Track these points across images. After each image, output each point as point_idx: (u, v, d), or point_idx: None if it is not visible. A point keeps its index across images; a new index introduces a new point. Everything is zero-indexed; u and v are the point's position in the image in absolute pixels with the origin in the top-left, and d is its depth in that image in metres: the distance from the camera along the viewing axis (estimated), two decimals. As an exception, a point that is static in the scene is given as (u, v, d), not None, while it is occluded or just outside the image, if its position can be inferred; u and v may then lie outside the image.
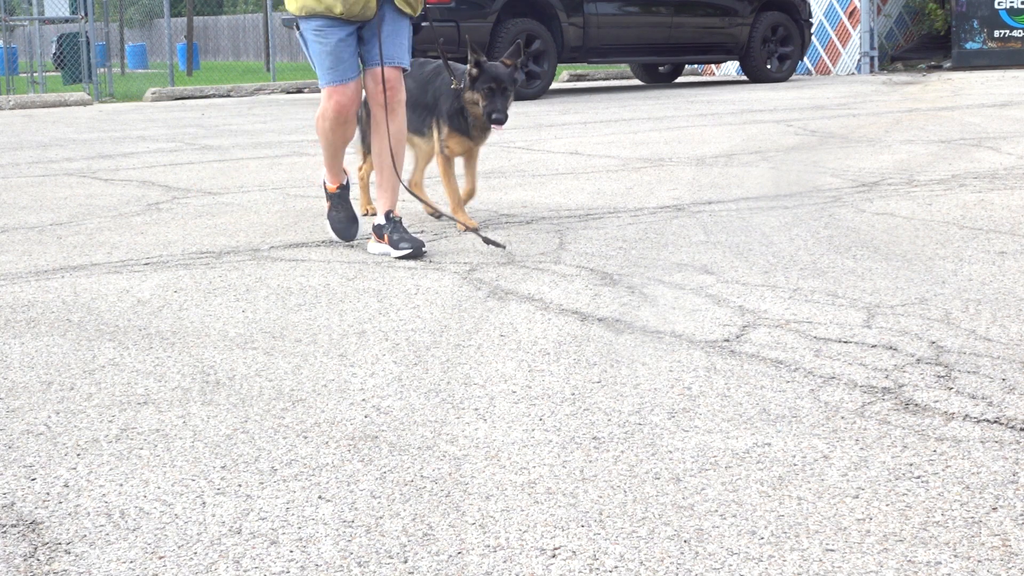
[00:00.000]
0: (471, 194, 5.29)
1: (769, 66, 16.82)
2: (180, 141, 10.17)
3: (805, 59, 19.11)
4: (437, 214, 5.34)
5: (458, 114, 5.01)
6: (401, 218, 4.66)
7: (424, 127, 5.21)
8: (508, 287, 3.96)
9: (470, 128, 5.04)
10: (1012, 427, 2.48)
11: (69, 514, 2.16)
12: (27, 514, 2.16)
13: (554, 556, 1.94)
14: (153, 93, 17.94)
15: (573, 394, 2.79)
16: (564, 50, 14.56)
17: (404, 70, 4.68)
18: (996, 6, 18.46)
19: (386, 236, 4.59)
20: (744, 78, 17.78)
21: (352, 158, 5.50)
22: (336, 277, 4.21)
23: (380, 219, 4.66)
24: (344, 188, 4.93)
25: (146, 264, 4.53)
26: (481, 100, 4.87)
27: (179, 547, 2.01)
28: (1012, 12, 18.44)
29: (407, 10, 4.63)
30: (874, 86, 15.21)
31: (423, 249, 4.50)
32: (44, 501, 2.22)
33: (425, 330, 3.43)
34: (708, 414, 2.62)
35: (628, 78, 19.81)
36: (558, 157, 7.83)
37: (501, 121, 4.83)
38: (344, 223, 4.90)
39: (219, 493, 2.24)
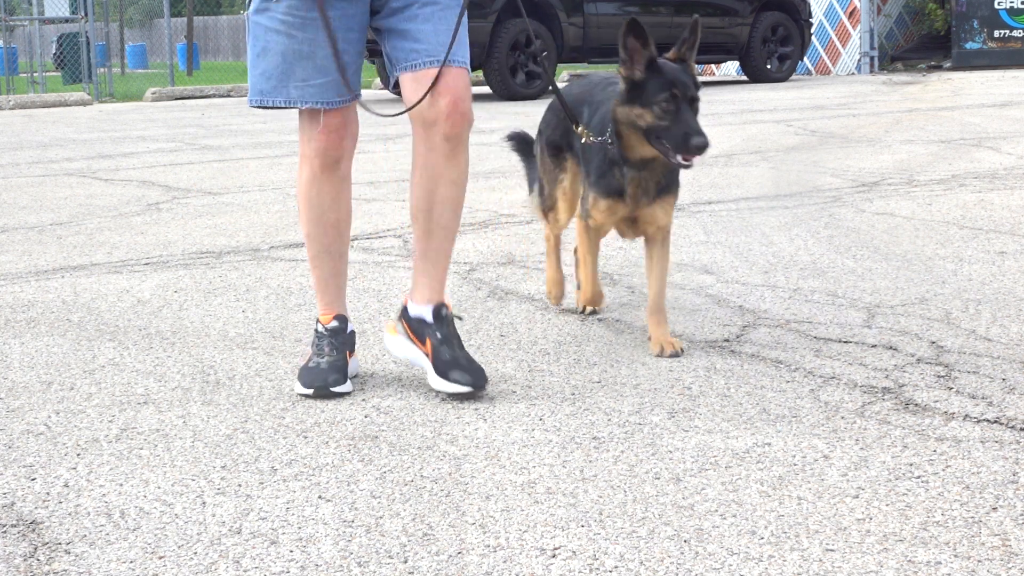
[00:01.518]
0: (657, 304, 3.16)
1: (769, 66, 16.81)
2: (180, 141, 10.17)
3: (805, 59, 19.10)
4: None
5: (610, 168, 3.07)
6: (460, 317, 3.00)
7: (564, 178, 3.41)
8: (508, 287, 3.95)
9: (626, 183, 3.06)
10: (1012, 427, 2.48)
11: (69, 514, 2.16)
12: (27, 514, 2.16)
13: (554, 556, 1.94)
14: (153, 93, 17.95)
15: (573, 394, 2.79)
16: (564, 50, 14.57)
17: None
18: (996, 6, 18.46)
19: (429, 342, 2.86)
20: (744, 78, 17.77)
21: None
22: (336, 277, 4.20)
23: (423, 311, 2.89)
24: (343, 323, 2.97)
25: (146, 264, 4.53)
26: (655, 119, 2.89)
27: (179, 547, 2.01)
28: (1012, 12, 18.44)
29: None
30: (874, 86, 15.21)
31: (484, 385, 2.79)
32: (44, 501, 2.22)
33: (425, 330, 3.43)
34: (708, 414, 2.62)
35: (628, 78, 19.77)
36: (558, 157, 7.82)
37: (703, 147, 2.83)
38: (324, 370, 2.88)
39: (219, 493, 2.24)
